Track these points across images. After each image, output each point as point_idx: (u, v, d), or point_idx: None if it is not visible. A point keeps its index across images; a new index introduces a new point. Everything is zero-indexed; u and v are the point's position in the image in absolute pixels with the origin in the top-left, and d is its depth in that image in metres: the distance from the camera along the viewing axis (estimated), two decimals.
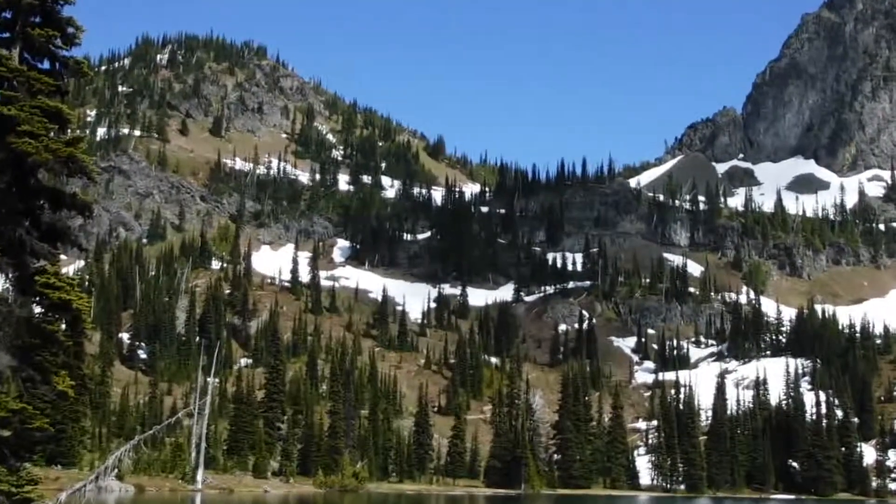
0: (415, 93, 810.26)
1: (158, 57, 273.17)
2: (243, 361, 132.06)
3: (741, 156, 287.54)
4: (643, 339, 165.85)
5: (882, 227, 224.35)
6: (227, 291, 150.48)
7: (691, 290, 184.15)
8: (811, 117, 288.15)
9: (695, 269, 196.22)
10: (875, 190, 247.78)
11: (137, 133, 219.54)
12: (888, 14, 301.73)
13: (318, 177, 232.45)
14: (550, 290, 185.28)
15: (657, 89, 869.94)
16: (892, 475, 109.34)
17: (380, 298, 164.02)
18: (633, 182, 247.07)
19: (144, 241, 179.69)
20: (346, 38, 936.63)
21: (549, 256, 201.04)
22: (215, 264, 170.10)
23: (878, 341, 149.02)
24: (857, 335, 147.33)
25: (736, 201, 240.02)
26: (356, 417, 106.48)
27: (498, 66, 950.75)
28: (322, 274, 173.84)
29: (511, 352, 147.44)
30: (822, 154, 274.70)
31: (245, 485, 77.97)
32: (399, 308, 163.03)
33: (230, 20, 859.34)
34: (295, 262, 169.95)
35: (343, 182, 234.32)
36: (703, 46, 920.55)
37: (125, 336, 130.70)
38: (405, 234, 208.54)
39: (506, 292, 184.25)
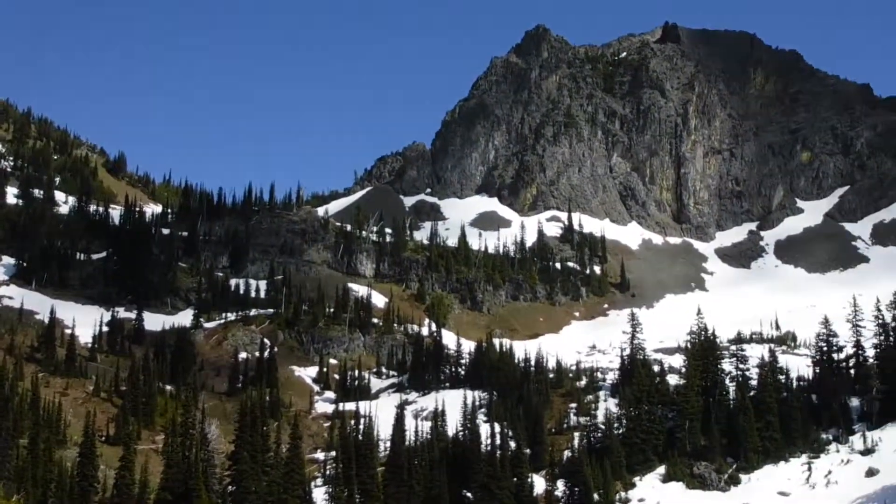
0: (95, 106, 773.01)
1: None
2: None
3: (429, 190, 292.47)
4: (325, 369, 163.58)
5: (558, 265, 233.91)
6: None
7: (375, 320, 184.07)
8: (496, 157, 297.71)
9: (379, 300, 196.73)
10: (553, 230, 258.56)
11: None
12: (570, 64, 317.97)
13: None
14: (232, 316, 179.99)
15: (348, 120, 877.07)
16: None
17: (46, 320, 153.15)
18: (321, 211, 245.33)
19: None
20: (21, 42, 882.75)
21: (232, 282, 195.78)
22: None
23: (552, 375, 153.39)
24: (532, 369, 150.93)
25: (422, 235, 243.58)
26: (14, 447, 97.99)
27: (188, 83, 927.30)
28: None
29: (188, 379, 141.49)
30: (506, 193, 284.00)
31: None
32: (68, 331, 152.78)
33: None
34: None
35: (11, 195, 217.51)
36: (396, 80, 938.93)
37: None
38: (79, 254, 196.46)
39: (185, 318, 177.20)
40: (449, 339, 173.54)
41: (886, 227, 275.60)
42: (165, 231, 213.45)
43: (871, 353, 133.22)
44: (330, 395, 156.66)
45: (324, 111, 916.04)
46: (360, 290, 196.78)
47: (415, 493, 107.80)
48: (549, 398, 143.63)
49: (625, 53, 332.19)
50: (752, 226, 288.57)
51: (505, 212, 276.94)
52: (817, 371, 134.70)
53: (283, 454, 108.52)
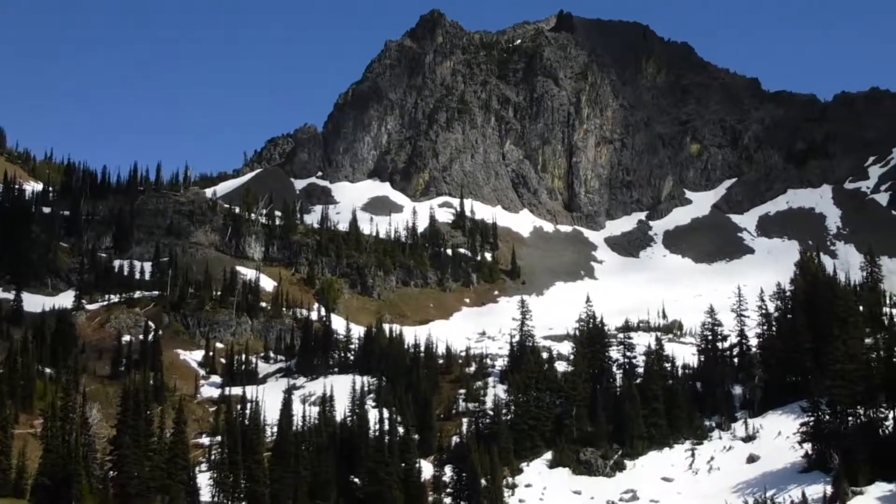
0: None
1: None
2: None
3: (320, 174, 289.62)
4: (211, 353, 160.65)
5: (449, 251, 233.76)
6: None
7: (263, 304, 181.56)
8: (389, 142, 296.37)
9: (268, 283, 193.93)
10: (445, 216, 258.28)
11: None
12: (465, 50, 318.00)
13: None
14: (115, 298, 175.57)
15: (239, 100, 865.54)
16: (448, 490, 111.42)
17: None
18: (209, 192, 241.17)
19: None
20: None
21: (116, 263, 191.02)
22: None
23: (441, 361, 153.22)
24: (422, 355, 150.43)
25: (312, 218, 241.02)
26: None
27: (74, 59, 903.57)
28: None
29: (68, 362, 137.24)
30: (398, 178, 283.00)
31: None
32: None
33: None
34: None
35: None
36: (289, 61, 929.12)
37: None
38: None
39: (66, 299, 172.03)
40: (338, 323, 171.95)
41: (771, 219, 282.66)
42: (46, 210, 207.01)
43: (754, 342, 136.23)
44: (216, 379, 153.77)
45: (214, 91, 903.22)
46: (248, 273, 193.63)
47: (302, 479, 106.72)
48: (439, 384, 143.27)
49: (519, 41, 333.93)
50: (642, 215, 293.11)
51: (397, 197, 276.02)
52: (702, 359, 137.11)
53: (166, 439, 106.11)
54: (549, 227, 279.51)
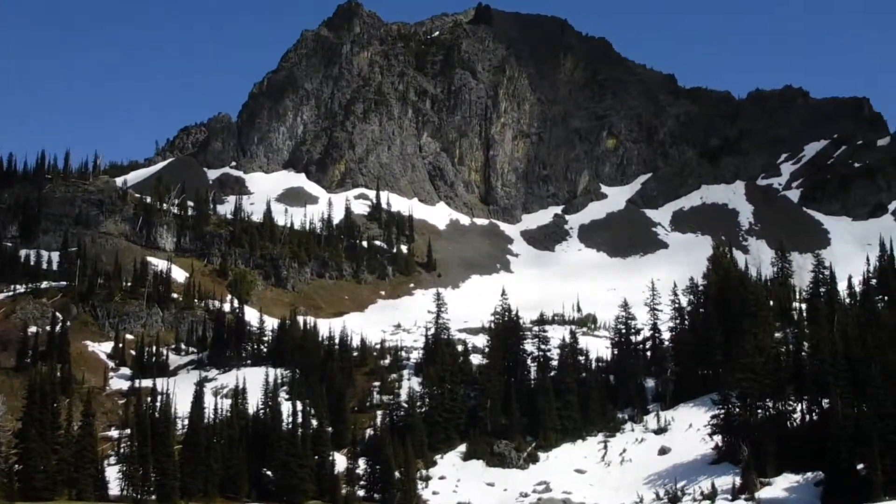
0: None
1: None
2: None
3: (234, 164, 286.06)
4: (121, 345, 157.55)
5: (365, 244, 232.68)
6: None
7: (175, 295, 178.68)
8: (304, 132, 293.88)
9: (180, 274, 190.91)
10: (361, 208, 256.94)
11: None
12: (383, 41, 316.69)
13: None
14: (21, 288, 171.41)
15: (152, 88, 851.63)
16: (361, 482, 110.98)
17: None
18: (119, 181, 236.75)
19: None
20: None
21: (22, 253, 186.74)
22: None
23: (356, 353, 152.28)
24: (336, 347, 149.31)
25: (226, 209, 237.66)
26: None
27: None
28: None
29: None
30: (313, 169, 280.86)
31: None
32: None
33: None
34: None
35: None
36: (203, 49, 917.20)
37: None
38: None
39: None
40: (252, 315, 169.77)
41: (685, 214, 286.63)
42: None
43: (667, 336, 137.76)
44: (126, 371, 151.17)
45: (125, 78, 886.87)
46: (159, 263, 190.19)
47: (213, 472, 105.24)
48: (353, 376, 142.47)
49: (437, 33, 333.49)
50: (558, 209, 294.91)
51: (312, 188, 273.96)
52: (616, 353, 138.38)
53: (74, 432, 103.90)
54: (465, 219, 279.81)
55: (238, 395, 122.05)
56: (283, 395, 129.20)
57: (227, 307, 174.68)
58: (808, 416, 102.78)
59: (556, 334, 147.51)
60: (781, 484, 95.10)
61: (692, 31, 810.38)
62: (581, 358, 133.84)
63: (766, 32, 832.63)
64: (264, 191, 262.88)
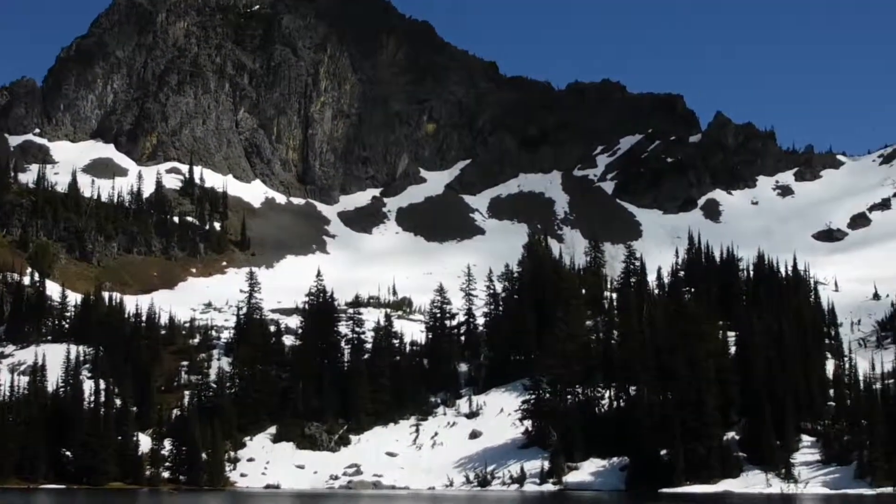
0: None
1: None
2: None
3: (37, 131, 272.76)
4: None
5: (176, 219, 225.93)
6: None
7: None
8: (115, 102, 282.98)
9: None
10: (172, 182, 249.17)
11: None
12: (200, 12, 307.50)
13: None
14: None
15: None
16: (166, 464, 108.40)
17: None
18: None
19: None
20: None
21: None
22: None
23: (164, 332, 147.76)
24: (143, 324, 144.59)
25: (28, 178, 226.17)
26: None
27: None
28: None
29: None
30: (123, 140, 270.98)
31: None
32: None
33: None
34: None
35: None
36: (5, 7, 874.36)
37: None
38: None
39: None
40: (53, 289, 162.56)
41: (503, 201, 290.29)
42: None
43: (481, 321, 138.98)
44: None
45: None
46: None
47: (8, 452, 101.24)
48: (160, 355, 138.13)
49: (257, 6, 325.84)
50: (376, 192, 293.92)
51: (122, 160, 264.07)
52: (430, 337, 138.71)
53: None
54: (281, 198, 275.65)
55: (37, 372, 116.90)
56: (85, 374, 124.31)
57: (26, 280, 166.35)
58: (615, 403, 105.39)
59: (371, 317, 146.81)
60: (588, 468, 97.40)
61: (515, 18, 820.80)
62: (395, 341, 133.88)
63: (586, 26, 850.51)
64: (70, 160, 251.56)
